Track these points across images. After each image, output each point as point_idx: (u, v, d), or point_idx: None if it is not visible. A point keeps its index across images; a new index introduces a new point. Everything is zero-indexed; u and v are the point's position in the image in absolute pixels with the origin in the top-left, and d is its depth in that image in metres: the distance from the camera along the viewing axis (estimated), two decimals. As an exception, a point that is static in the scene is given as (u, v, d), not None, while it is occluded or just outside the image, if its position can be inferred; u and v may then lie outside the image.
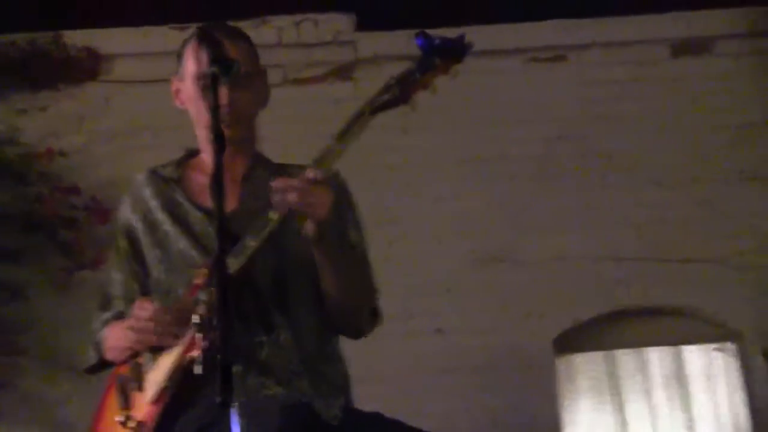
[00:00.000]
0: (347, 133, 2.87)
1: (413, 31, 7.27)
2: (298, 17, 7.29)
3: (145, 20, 6.97)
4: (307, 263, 3.09)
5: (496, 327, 6.85)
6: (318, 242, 2.98)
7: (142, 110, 6.84)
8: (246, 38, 3.33)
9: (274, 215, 2.92)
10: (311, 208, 2.87)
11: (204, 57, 2.85)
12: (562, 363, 7.13)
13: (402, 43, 7.15)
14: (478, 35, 7.19)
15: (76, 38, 7.08)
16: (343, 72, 7.22)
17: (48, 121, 6.92)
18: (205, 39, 2.86)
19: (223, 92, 3.03)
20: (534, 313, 6.90)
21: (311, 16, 7.29)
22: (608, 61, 7.39)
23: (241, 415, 2.68)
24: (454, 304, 6.89)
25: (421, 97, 7.44)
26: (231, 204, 3.14)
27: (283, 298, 3.11)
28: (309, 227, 2.92)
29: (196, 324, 2.76)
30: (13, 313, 6.35)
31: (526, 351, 6.81)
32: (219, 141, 2.64)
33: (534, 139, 7.19)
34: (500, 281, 6.95)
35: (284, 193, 2.87)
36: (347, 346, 6.61)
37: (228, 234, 3.04)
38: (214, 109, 2.71)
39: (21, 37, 7.06)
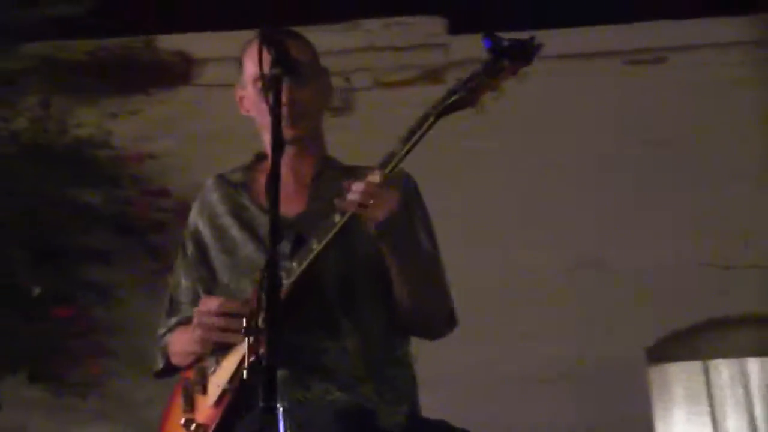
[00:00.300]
0: (413, 136, 2.75)
1: (504, 34, 7.25)
2: (389, 20, 7.26)
3: (236, 24, 6.94)
4: (377, 267, 3.04)
5: (588, 335, 6.74)
6: (384, 245, 2.93)
7: (232, 114, 6.79)
8: (304, 37, 3.30)
9: (338, 218, 2.87)
10: (372, 211, 2.81)
11: (265, 59, 2.78)
12: (656, 372, 6.99)
13: (494, 45, 7.08)
14: (573, 37, 7.21)
15: (169, 42, 7.13)
16: (433, 75, 7.15)
17: (139, 125, 6.95)
18: (266, 40, 2.79)
19: (284, 92, 2.97)
20: (627, 321, 6.76)
21: (402, 19, 7.25)
22: (711, 63, 7.20)
23: (295, 421, 2.66)
24: (546, 312, 6.78)
25: (515, 100, 7.38)
26: (298, 207, 3.14)
27: (351, 303, 3.06)
28: (370, 230, 2.88)
29: (206, 324, 2.76)
30: (103, 315, 6.38)
31: (618, 360, 6.67)
32: (278, 143, 2.59)
33: (632, 143, 7.04)
34: (594, 288, 6.82)
35: (347, 195, 2.83)
36: (430, 352, 6.60)
37: (289, 237, 3.04)
38: (276, 111, 2.66)
39: (113, 42, 7.12)
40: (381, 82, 7.21)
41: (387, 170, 2.82)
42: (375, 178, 2.81)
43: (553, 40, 7.18)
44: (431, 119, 2.72)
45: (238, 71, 3.34)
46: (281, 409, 2.18)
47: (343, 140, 6.88)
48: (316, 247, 2.87)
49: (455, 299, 6.62)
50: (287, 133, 3.04)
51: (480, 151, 7.00)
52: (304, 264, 2.88)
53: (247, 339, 2.58)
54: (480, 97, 2.66)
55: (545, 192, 6.98)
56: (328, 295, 3.04)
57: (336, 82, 7.04)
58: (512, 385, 6.67)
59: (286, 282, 2.87)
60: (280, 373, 2.22)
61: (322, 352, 2.98)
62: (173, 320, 3.33)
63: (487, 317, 6.76)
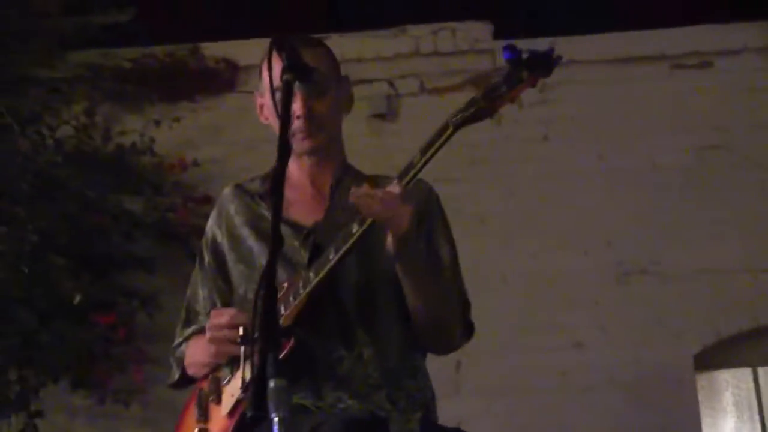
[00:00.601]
0: (431, 146, 2.71)
1: (551, 39, 7.20)
2: (435, 26, 7.24)
3: (282, 31, 6.93)
4: (395, 278, 2.99)
5: (637, 341, 6.68)
6: (399, 256, 2.90)
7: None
8: (323, 45, 3.25)
9: (356, 228, 2.83)
10: (391, 220, 2.78)
11: (279, 65, 2.76)
12: (705, 379, 6.92)
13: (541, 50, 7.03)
14: (620, 41, 7.17)
15: (214, 50, 7.13)
16: (480, 81, 7.10)
17: (183, 132, 6.96)
18: (279, 46, 2.76)
19: (299, 102, 3.00)
20: (676, 327, 6.70)
21: (449, 25, 7.23)
22: (758, 67, 7.13)
23: (304, 429, 2.69)
24: (598, 318, 6.74)
25: (562, 105, 7.36)
26: (317, 215, 3.10)
27: (368, 313, 3.03)
28: (389, 241, 2.85)
29: (240, 337, 2.73)
30: (145, 322, 6.39)
31: (666, 367, 6.62)
32: (283, 149, 2.56)
33: (683, 148, 6.98)
34: (644, 294, 6.77)
35: (365, 202, 2.79)
36: (477, 360, 6.58)
37: (306, 245, 3.03)
38: (284, 117, 2.64)
39: (159, 50, 7.15)
40: (427, 87, 7.17)
41: (405, 181, 2.79)
42: (395, 188, 2.78)
43: (599, 44, 7.22)
44: (450, 130, 2.67)
45: (258, 79, 3.28)
46: (276, 418, 2.13)
47: (388, 145, 6.95)
48: (333, 257, 2.85)
49: (501, 307, 6.63)
50: (305, 144, 3.08)
51: (527, 157, 6.97)
52: (321, 274, 2.86)
53: (243, 349, 2.54)
54: (499, 108, 2.62)
55: (594, 197, 6.93)
56: (345, 304, 3.01)
57: (382, 87, 7.12)
58: (560, 392, 6.63)
59: (303, 291, 2.87)
60: (279, 383, 2.16)
61: (337, 361, 2.95)
62: (188, 330, 3.31)
63: (535, 324, 6.73)
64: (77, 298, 6.05)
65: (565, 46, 7.09)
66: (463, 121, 2.64)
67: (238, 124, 6.93)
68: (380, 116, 7.12)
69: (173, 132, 6.87)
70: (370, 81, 7.18)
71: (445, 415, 6.48)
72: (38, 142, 6.45)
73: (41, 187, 6.26)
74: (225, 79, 7.15)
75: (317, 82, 2.97)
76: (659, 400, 6.55)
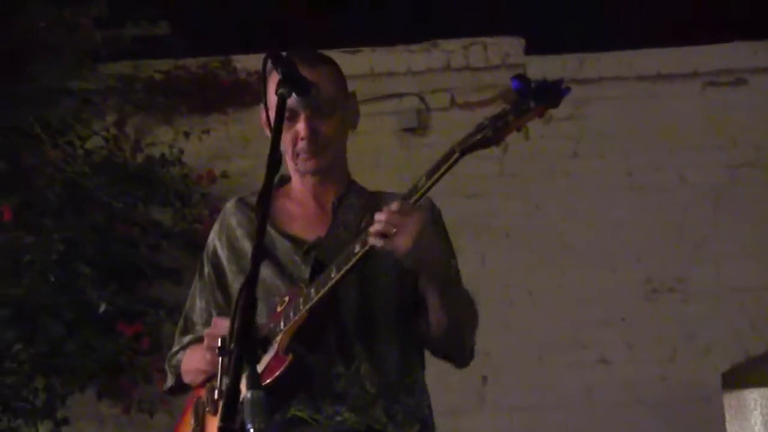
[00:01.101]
0: (437, 170, 2.71)
1: (582, 55, 7.21)
2: (466, 41, 7.24)
3: (315, 44, 6.96)
4: (396, 297, 3.02)
5: (664, 359, 6.68)
6: (420, 271, 2.89)
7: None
8: (329, 62, 3.17)
9: (359, 248, 2.81)
10: (395, 240, 2.74)
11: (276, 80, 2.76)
12: (733, 398, 6.89)
13: (571, 66, 7.06)
14: (653, 58, 7.15)
15: (246, 62, 7.15)
16: (511, 96, 7.09)
17: (214, 144, 7.01)
18: (277, 61, 2.76)
19: (303, 123, 2.98)
20: (703, 345, 6.69)
21: (480, 39, 7.23)
22: (792, 85, 7.09)
23: None
24: (625, 335, 6.73)
25: (593, 121, 7.35)
26: (319, 231, 3.08)
27: (367, 331, 3.01)
28: (402, 262, 2.83)
29: (216, 348, 2.69)
30: (171, 332, 6.39)
31: (694, 385, 6.61)
32: (273, 161, 2.56)
33: (714, 165, 6.97)
34: (672, 312, 6.77)
35: (389, 245, 2.75)
36: (509, 375, 6.57)
37: (307, 262, 3.01)
38: (276, 131, 2.64)
39: (192, 62, 7.18)
40: (458, 102, 7.18)
41: (411, 202, 2.76)
42: (394, 206, 2.75)
43: (631, 61, 7.21)
44: (456, 156, 2.66)
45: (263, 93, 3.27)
46: (252, 430, 2.12)
47: (418, 159, 6.96)
48: (334, 275, 2.83)
49: (527, 322, 6.63)
50: (309, 165, 3.05)
51: (556, 172, 6.96)
52: (322, 292, 2.84)
53: (221, 359, 2.54)
54: (505, 137, 2.61)
55: (623, 214, 6.91)
56: (345, 322, 3.00)
57: (413, 101, 7.13)
58: (586, 408, 6.64)
59: (303, 308, 2.86)
60: (256, 394, 2.17)
61: (335, 377, 2.95)
62: (186, 339, 3.31)
63: (562, 340, 6.72)
64: (102, 307, 6.07)
65: (596, 62, 7.14)
66: (469, 147, 2.64)
67: (267, 136, 6.95)
68: (411, 130, 7.13)
69: (203, 144, 6.91)
70: (401, 95, 7.21)
71: (469, 429, 6.51)
72: (68, 152, 6.50)
73: (69, 197, 6.30)
74: (256, 91, 7.15)
75: (323, 103, 2.96)
76: (686, 418, 6.53)
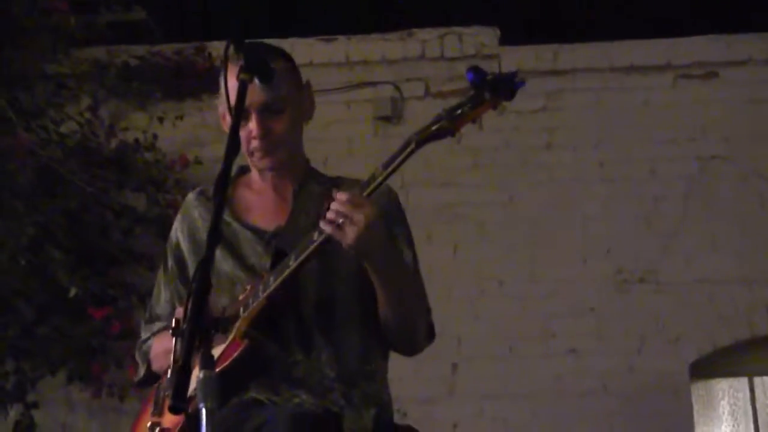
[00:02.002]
0: (394, 161, 2.72)
1: (557, 46, 7.23)
2: (442, 31, 7.25)
3: (288, 32, 6.97)
4: (357, 286, 3.02)
5: (633, 349, 6.71)
6: (366, 263, 2.90)
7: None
8: (284, 57, 3.17)
9: (317, 236, 2.82)
10: (343, 230, 2.75)
11: (237, 68, 2.76)
12: (701, 388, 6.94)
13: (545, 57, 7.08)
14: (626, 50, 7.18)
15: (222, 49, 7.12)
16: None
17: (189, 130, 7.00)
18: (240, 47, 2.76)
19: (255, 122, 2.99)
20: (672, 336, 6.72)
21: (455, 29, 7.24)
22: (765, 79, 7.12)
23: (254, 421, 2.69)
24: (594, 325, 6.76)
25: (566, 113, 7.38)
26: (279, 220, 3.09)
27: (327, 320, 3.03)
28: (347, 250, 2.83)
29: (172, 329, 2.68)
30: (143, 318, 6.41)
31: (662, 375, 6.64)
32: (232, 148, 2.56)
33: (685, 157, 7.00)
34: (642, 303, 6.79)
35: (339, 234, 2.76)
36: (480, 364, 6.60)
37: (268, 250, 3.03)
38: (237, 116, 2.64)
39: (167, 48, 7.17)
40: (433, 91, 7.20)
41: (365, 193, 2.77)
42: (344, 196, 2.77)
43: (605, 52, 7.24)
44: (412, 146, 2.68)
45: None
46: (204, 409, 2.13)
47: (392, 148, 6.93)
48: (293, 263, 2.83)
49: (498, 312, 6.66)
50: (264, 162, 3.07)
51: (529, 164, 6.99)
52: (280, 278, 2.84)
53: (174, 340, 2.54)
54: (460, 127, 2.63)
55: (594, 205, 6.95)
56: (305, 311, 3.01)
57: (388, 90, 7.14)
58: (555, 397, 6.67)
59: (262, 295, 2.86)
60: (207, 373, 2.16)
61: (293, 364, 2.96)
62: (156, 326, 3.29)
63: (532, 330, 6.75)
64: (73, 292, 6.07)
65: (570, 53, 7.17)
66: (425, 139, 2.65)
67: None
68: (385, 119, 7.14)
69: (178, 130, 6.91)
70: (375, 83, 7.22)
71: (439, 417, 6.57)
72: (42, 136, 6.48)
73: (42, 181, 6.29)
74: (230, 77, 7.16)
75: (273, 101, 2.96)
76: (655, 408, 6.57)
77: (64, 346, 6.27)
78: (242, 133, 2.98)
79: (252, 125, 3.00)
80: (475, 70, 2.56)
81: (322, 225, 2.76)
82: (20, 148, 6.18)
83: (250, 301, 2.88)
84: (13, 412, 6.35)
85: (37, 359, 6.30)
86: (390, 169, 2.72)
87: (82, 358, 6.32)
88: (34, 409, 6.37)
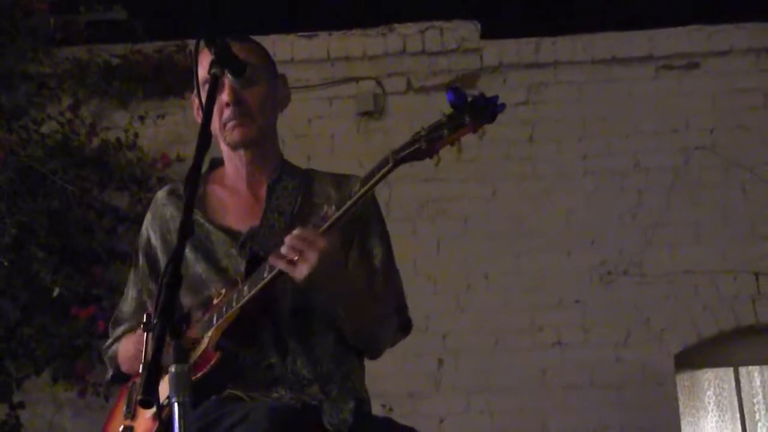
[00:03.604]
0: (371, 179, 2.69)
1: (538, 39, 7.22)
2: (423, 25, 7.24)
3: (271, 28, 6.95)
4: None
5: (619, 341, 6.72)
6: (313, 293, 2.92)
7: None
8: (254, 41, 3.19)
9: (266, 274, 2.82)
10: (297, 266, 2.75)
11: (208, 61, 2.76)
12: (686, 379, 6.95)
13: (526, 50, 7.09)
14: (608, 42, 7.18)
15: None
16: (467, 80, 7.14)
17: (171, 128, 6.99)
18: (209, 42, 2.76)
19: (227, 90, 2.98)
20: (658, 327, 6.74)
21: (437, 24, 7.23)
22: (745, 69, 7.14)
23: (232, 416, 2.68)
24: (580, 318, 6.77)
25: (548, 106, 7.37)
26: (252, 219, 3.08)
27: (301, 326, 3.01)
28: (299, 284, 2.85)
29: (143, 324, 2.68)
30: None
31: (647, 366, 6.67)
32: (203, 142, 2.57)
33: (668, 149, 7.01)
34: (626, 294, 6.80)
35: (292, 270, 2.77)
36: (465, 358, 6.60)
37: (242, 254, 3.02)
38: (208, 109, 2.65)
39: (148, 46, 7.14)
40: (414, 86, 7.19)
41: (339, 213, 2.75)
42: (299, 232, 2.76)
43: (586, 45, 7.24)
44: (389, 165, 2.65)
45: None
46: (176, 403, 2.13)
47: (375, 143, 6.97)
48: (266, 275, 2.81)
49: (483, 305, 6.65)
50: (236, 134, 3.04)
51: (512, 157, 6.99)
52: (254, 291, 2.83)
53: (145, 335, 2.53)
54: (438, 150, 2.60)
55: (578, 198, 6.96)
56: (279, 316, 2.99)
57: (369, 85, 7.13)
58: (541, 390, 6.68)
59: (235, 305, 2.85)
60: (179, 368, 2.16)
61: (268, 368, 2.94)
62: (119, 330, 3.28)
63: (517, 323, 6.76)
64: (56, 291, 6.06)
65: (551, 46, 7.18)
66: (403, 158, 2.63)
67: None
68: (367, 114, 7.14)
69: (160, 128, 6.91)
70: (357, 79, 7.21)
71: (425, 412, 6.57)
72: (23, 136, 6.47)
73: (23, 181, 6.27)
74: (211, 75, 7.13)
75: (247, 76, 2.91)
76: (640, 399, 6.59)
77: (49, 345, 6.26)
78: (216, 108, 2.95)
79: (223, 95, 2.98)
80: (455, 91, 2.52)
81: (272, 261, 2.76)
82: (1, 149, 6.17)
83: (224, 309, 2.87)
84: (-1, 413, 6.35)
85: (22, 359, 6.28)
86: (366, 187, 2.70)
87: (67, 357, 6.31)
88: (20, 409, 6.36)
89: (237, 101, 3.01)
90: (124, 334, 3.25)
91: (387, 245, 3.18)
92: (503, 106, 2.51)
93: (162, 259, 3.19)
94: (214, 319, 2.87)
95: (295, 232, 2.76)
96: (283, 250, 2.75)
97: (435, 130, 2.55)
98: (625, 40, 7.17)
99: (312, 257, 2.73)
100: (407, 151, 2.60)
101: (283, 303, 2.99)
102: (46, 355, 6.29)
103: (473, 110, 2.49)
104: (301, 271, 2.74)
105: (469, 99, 2.50)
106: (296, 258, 2.74)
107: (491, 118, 2.51)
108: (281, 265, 2.74)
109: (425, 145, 2.57)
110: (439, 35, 7.22)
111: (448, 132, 2.53)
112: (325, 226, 2.76)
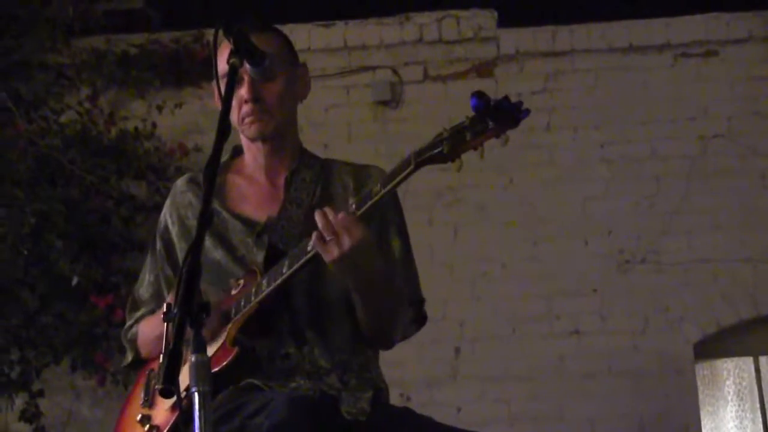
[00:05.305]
0: (393, 179, 2.69)
1: (555, 27, 7.21)
2: (440, 14, 7.24)
3: (286, 18, 6.95)
4: (346, 286, 2.97)
5: (637, 330, 6.71)
6: (343, 277, 2.89)
7: (281, 107, 6.86)
8: (275, 30, 3.17)
9: (311, 246, 2.79)
10: (328, 246, 2.74)
11: (227, 51, 2.77)
12: (705, 368, 6.94)
13: (543, 38, 7.08)
14: (625, 30, 7.16)
15: (220, 36, 7.10)
16: (484, 69, 7.14)
17: (188, 118, 7.00)
18: (228, 31, 2.75)
19: (246, 86, 2.97)
20: (676, 316, 6.72)
21: (453, 12, 7.23)
22: (765, 57, 7.10)
23: (251, 405, 2.67)
24: (597, 306, 6.76)
25: (565, 94, 7.34)
26: (271, 209, 3.08)
27: (320, 317, 3.01)
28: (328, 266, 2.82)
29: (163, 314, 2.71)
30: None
31: (666, 355, 6.65)
32: (222, 130, 2.56)
33: (686, 137, 6.98)
34: (644, 283, 6.78)
35: (324, 249, 2.76)
36: (483, 346, 6.60)
37: (261, 245, 3.02)
38: (227, 99, 2.64)
39: (165, 36, 7.16)
40: (431, 75, 7.19)
41: (360, 212, 2.75)
42: (334, 215, 2.75)
43: (603, 33, 7.22)
44: (411, 167, 2.63)
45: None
46: (197, 393, 2.13)
47: (392, 132, 6.98)
48: (286, 271, 2.82)
49: (500, 294, 6.64)
50: (254, 129, 3.04)
51: (529, 145, 6.97)
52: (273, 286, 2.83)
53: (165, 324, 2.54)
54: (461, 154, 2.58)
55: (596, 186, 6.94)
56: (298, 309, 2.99)
57: (386, 74, 7.13)
58: (558, 379, 6.67)
59: (254, 299, 2.85)
60: (200, 357, 2.17)
61: (286, 357, 2.94)
62: (139, 313, 3.27)
63: (535, 311, 6.75)
64: (75, 280, 6.09)
65: (568, 34, 7.16)
66: (424, 161, 2.61)
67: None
68: (384, 103, 7.14)
69: (178, 118, 6.91)
70: (374, 68, 7.22)
71: (443, 400, 6.58)
72: (42, 126, 6.50)
73: (42, 170, 6.30)
74: (230, 64, 7.14)
75: (266, 67, 2.89)
76: (658, 388, 6.58)
77: (68, 334, 6.30)
78: (235, 102, 2.94)
79: (243, 90, 2.98)
80: (480, 95, 2.50)
81: (311, 242, 2.75)
82: (21, 139, 6.20)
83: (242, 303, 2.87)
84: (19, 401, 6.37)
85: (41, 348, 6.32)
86: (388, 187, 2.70)
87: (86, 346, 6.34)
88: (40, 398, 6.39)
89: (255, 98, 3.00)
90: (143, 316, 3.23)
91: (405, 238, 3.17)
92: (527, 112, 2.50)
93: (178, 244, 3.20)
94: (232, 312, 2.87)
95: (333, 214, 2.74)
96: (319, 228, 2.73)
97: (458, 134, 2.54)
98: (642, 27, 7.15)
99: (345, 242, 2.71)
100: (429, 154, 2.59)
101: (301, 294, 2.98)
102: (65, 343, 6.32)
103: (497, 115, 2.48)
104: (331, 254, 2.72)
105: (492, 103, 2.48)
106: (329, 239, 2.72)
107: (515, 124, 2.49)
108: (317, 246, 2.73)
109: (447, 150, 2.56)
110: (456, 24, 7.20)
111: (471, 136, 2.52)
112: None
